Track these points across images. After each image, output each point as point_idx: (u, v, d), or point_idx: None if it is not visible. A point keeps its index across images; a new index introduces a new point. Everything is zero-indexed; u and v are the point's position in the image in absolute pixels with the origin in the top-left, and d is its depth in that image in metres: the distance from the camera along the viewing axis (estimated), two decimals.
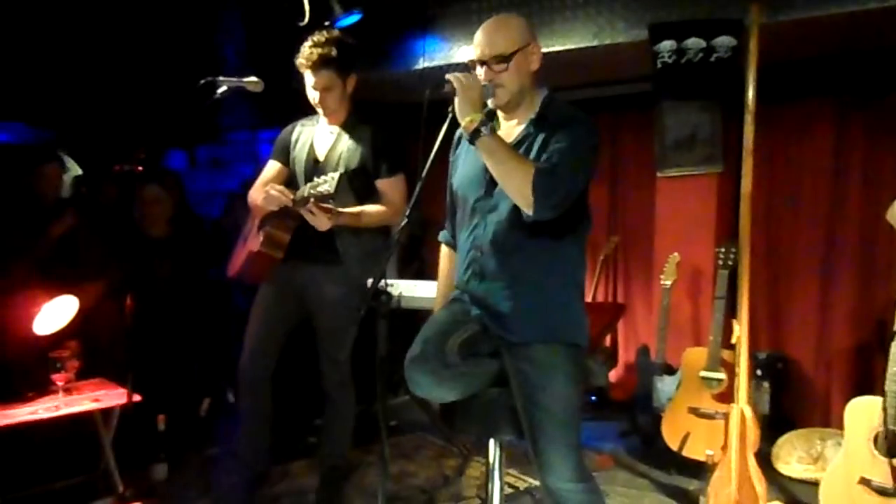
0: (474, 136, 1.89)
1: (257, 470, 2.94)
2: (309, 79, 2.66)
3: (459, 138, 2.22)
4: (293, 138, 2.84)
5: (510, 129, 2.09)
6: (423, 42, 4.14)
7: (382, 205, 2.74)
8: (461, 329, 2.04)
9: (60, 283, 3.05)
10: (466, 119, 1.90)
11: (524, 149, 2.00)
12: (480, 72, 1.99)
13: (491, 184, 2.03)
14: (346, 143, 2.75)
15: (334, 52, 2.61)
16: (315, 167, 2.73)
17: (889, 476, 2.46)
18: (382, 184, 2.75)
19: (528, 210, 1.87)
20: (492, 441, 2.17)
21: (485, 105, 1.99)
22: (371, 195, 2.74)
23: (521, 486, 3.25)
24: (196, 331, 3.59)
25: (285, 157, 2.84)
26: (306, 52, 2.62)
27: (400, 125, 5.50)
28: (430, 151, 1.91)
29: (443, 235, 2.36)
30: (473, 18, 4.00)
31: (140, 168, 3.13)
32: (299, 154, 2.80)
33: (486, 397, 2.08)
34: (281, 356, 2.85)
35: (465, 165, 2.17)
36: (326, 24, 3.50)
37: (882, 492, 2.47)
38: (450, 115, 1.95)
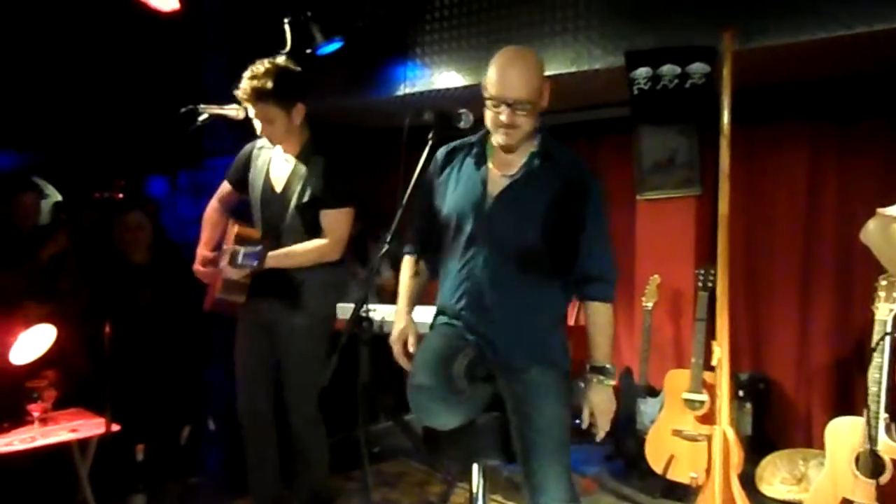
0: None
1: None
2: (251, 110, 2.61)
3: (445, 159, 2.17)
4: (251, 160, 2.78)
5: (509, 160, 2.06)
6: (405, 68, 4.18)
7: (323, 237, 2.65)
8: (461, 354, 2.03)
9: (36, 306, 3.01)
10: None
11: (532, 183, 2.03)
12: (501, 110, 1.94)
13: (494, 216, 2.02)
14: (300, 175, 2.67)
15: (269, 84, 2.51)
16: (272, 196, 2.71)
17: (872, 496, 2.48)
18: (327, 215, 2.65)
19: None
20: (475, 466, 2.16)
21: (458, 128, 2.00)
22: (320, 226, 2.68)
23: None
24: (176, 358, 3.55)
25: (238, 177, 2.80)
26: (243, 84, 2.54)
27: (381, 151, 5.54)
28: (411, 178, 1.92)
29: (409, 249, 2.26)
30: (454, 45, 4.05)
31: (120, 195, 3.11)
32: (255, 180, 2.75)
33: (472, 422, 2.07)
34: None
35: (460, 191, 2.10)
36: (308, 51, 3.53)
37: None
38: (430, 143, 1.97)
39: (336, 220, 2.65)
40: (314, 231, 2.66)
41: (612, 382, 2.08)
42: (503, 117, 1.94)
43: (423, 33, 4.13)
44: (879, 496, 2.45)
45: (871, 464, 2.49)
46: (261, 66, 2.54)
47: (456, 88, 4.02)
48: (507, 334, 2.04)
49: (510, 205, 2.02)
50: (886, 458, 2.46)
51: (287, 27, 3.49)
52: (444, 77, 4.10)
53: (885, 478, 2.45)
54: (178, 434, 3.64)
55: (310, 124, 2.73)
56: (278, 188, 2.70)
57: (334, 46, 3.73)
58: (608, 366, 2.05)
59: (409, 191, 1.92)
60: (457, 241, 2.09)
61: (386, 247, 1.95)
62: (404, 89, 4.23)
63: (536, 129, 2.04)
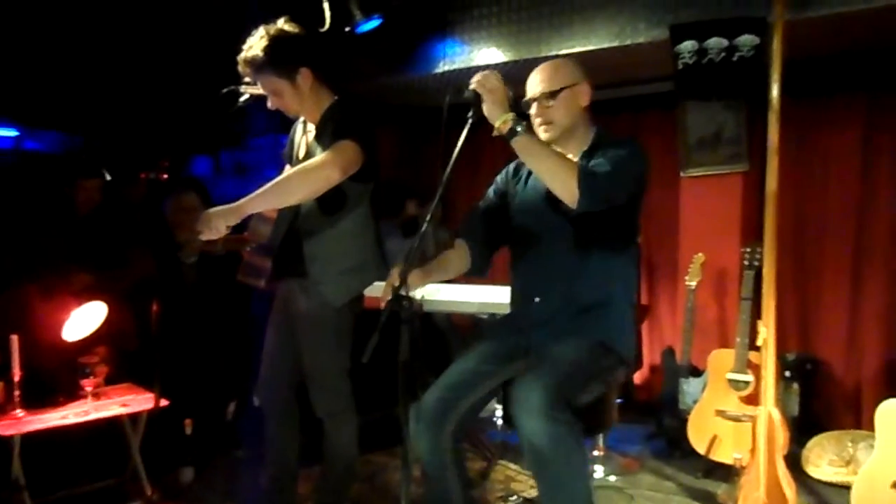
0: (510, 136, 1.92)
1: (285, 478, 2.89)
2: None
3: (514, 172, 2.33)
4: (293, 136, 2.71)
5: None
6: (444, 46, 4.14)
7: (340, 209, 2.47)
8: (479, 387, 2.09)
9: (84, 276, 3.06)
10: (500, 120, 1.92)
11: None
12: (532, 107, 2.13)
13: (554, 211, 2.09)
14: (315, 145, 2.50)
15: (263, 53, 2.33)
16: None
17: None
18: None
19: (572, 203, 1.90)
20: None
21: (515, 108, 2.02)
22: (338, 203, 2.48)
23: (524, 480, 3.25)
24: (221, 335, 3.63)
25: (288, 155, 2.71)
26: (239, 58, 2.38)
27: (422, 128, 5.53)
28: (451, 156, 1.91)
29: (461, 232, 2.34)
30: (493, 21, 4.00)
31: (165, 176, 3.16)
32: (288, 154, 2.68)
33: None
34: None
35: (525, 200, 2.24)
36: (347, 29, 3.52)
37: None
38: (470, 120, 1.96)
39: (338, 145, 2.33)
40: (331, 208, 2.46)
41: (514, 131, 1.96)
42: (533, 112, 2.13)
43: (461, 9, 4.09)
44: None
45: None
46: (254, 37, 2.37)
47: (496, 65, 3.97)
48: (574, 321, 2.10)
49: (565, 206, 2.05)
50: None
51: (326, 4, 3.48)
52: (484, 53, 4.06)
53: None
54: (225, 409, 3.73)
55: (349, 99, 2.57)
56: (302, 160, 2.54)
57: (373, 24, 3.71)
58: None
59: (448, 171, 1.91)
60: (525, 243, 2.21)
61: (426, 227, 1.96)
62: (443, 66, 4.20)
63: (588, 127, 2.18)
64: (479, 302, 3.47)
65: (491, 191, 2.35)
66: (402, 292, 1.97)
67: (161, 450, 3.22)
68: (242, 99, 2.72)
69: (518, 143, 1.92)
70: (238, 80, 2.62)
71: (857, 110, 3.94)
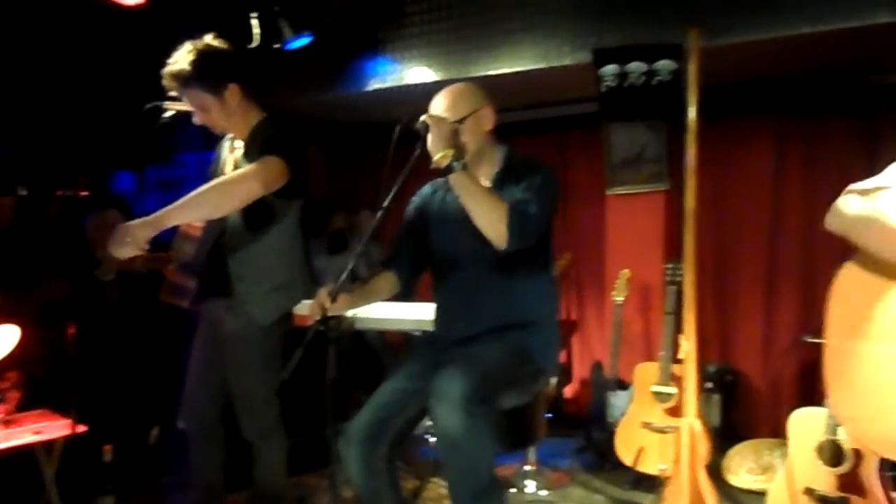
0: (447, 172, 1.97)
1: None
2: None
3: (429, 195, 2.34)
4: (217, 154, 2.66)
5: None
6: (375, 64, 4.16)
7: (269, 230, 2.44)
8: (409, 406, 2.09)
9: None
10: (439, 155, 1.97)
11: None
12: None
13: (474, 234, 2.08)
14: (243, 162, 2.43)
15: (190, 68, 2.29)
16: None
17: (833, 485, 2.54)
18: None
19: (500, 243, 1.96)
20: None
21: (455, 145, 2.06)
22: (265, 220, 2.44)
23: None
24: (144, 357, 3.51)
25: (214, 174, 2.63)
26: (164, 71, 2.33)
27: (354, 144, 5.51)
28: (392, 185, 1.94)
29: (389, 263, 2.36)
30: (423, 40, 4.05)
31: (84, 193, 3.05)
32: (214, 171, 2.61)
33: None
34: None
35: (441, 224, 2.25)
36: (276, 46, 3.50)
37: (825, 501, 2.54)
38: (417, 150, 1.99)
39: (263, 160, 2.28)
40: (258, 225, 2.42)
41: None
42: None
43: (393, 28, 4.12)
44: (839, 485, 2.52)
45: (832, 453, 2.55)
46: (180, 52, 2.33)
47: (426, 84, 4.02)
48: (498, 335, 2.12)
49: None
50: (846, 447, 2.51)
51: (255, 21, 3.45)
52: (414, 72, 4.09)
53: (845, 467, 2.51)
54: (148, 434, 3.60)
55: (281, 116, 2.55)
56: None
57: (303, 41, 3.70)
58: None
59: (390, 198, 1.94)
60: (445, 266, 2.22)
61: (361, 249, 1.97)
62: (374, 84, 4.21)
63: (496, 148, 2.21)
64: (411, 319, 3.46)
65: (410, 214, 2.35)
66: (330, 311, 1.97)
67: (78, 479, 3.08)
68: (167, 114, 2.66)
69: (454, 179, 1.98)
70: (161, 95, 2.57)
71: (768, 132, 4.17)
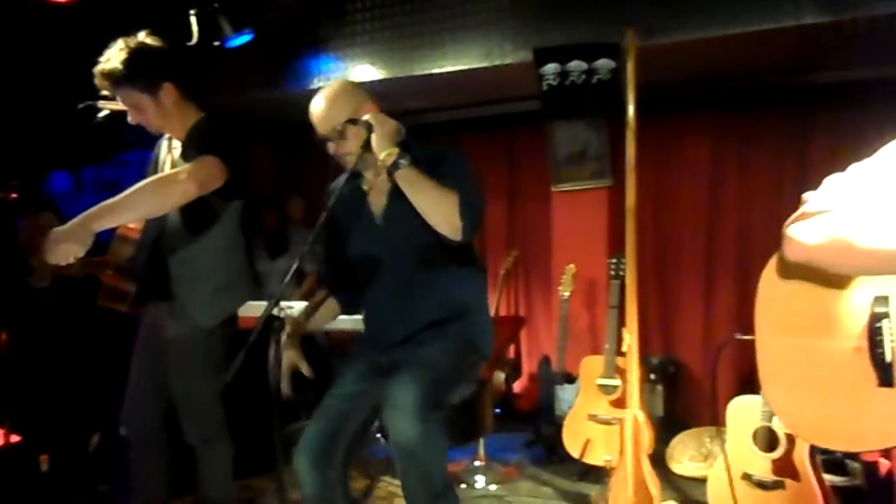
0: (394, 169, 1.93)
1: None
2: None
3: (336, 199, 2.21)
4: (154, 154, 2.59)
5: (380, 183, 2.12)
6: (318, 62, 4.13)
7: (207, 230, 2.38)
8: (358, 410, 2.07)
9: None
10: (385, 153, 1.94)
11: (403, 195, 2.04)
12: (330, 148, 2.06)
13: (388, 236, 2.09)
14: (181, 163, 2.35)
15: (122, 67, 2.21)
16: None
17: (768, 470, 2.63)
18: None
19: (455, 236, 1.93)
20: None
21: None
22: (205, 222, 2.39)
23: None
24: (82, 363, 3.41)
25: (151, 175, 2.51)
26: (95, 69, 2.25)
27: (301, 143, 5.44)
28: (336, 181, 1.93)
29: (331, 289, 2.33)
30: (367, 38, 4.04)
31: (14, 195, 2.94)
32: (152, 172, 2.52)
33: None
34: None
35: (350, 223, 2.20)
36: (216, 43, 3.43)
37: (762, 485, 2.63)
38: (360, 152, 1.96)
39: (199, 159, 2.23)
40: (199, 227, 2.37)
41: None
42: (331, 150, 2.07)
43: (334, 26, 4.09)
44: (774, 469, 2.61)
45: (767, 439, 2.64)
46: (111, 49, 2.25)
47: (371, 82, 4.00)
48: (436, 330, 2.09)
49: (396, 219, 2.08)
50: (781, 433, 2.61)
51: (193, 18, 3.38)
52: (359, 70, 4.08)
53: (778, 452, 2.60)
54: (87, 442, 3.50)
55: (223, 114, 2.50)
56: None
57: (244, 39, 3.64)
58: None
59: (326, 215, 1.93)
60: (369, 268, 2.17)
61: (307, 249, 1.95)
62: (318, 82, 4.18)
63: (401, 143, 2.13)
64: (356, 319, 3.45)
65: (332, 230, 2.27)
66: (275, 313, 1.95)
67: (13, 490, 2.98)
68: (102, 114, 2.59)
69: (401, 176, 1.94)
70: (96, 95, 2.50)
71: (706, 129, 4.30)
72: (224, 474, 2.54)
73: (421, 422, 1.81)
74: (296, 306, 3.58)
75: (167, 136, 2.54)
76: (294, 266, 1.94)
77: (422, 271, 2.09)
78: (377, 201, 2.14)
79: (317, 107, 2.06)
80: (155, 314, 2.50)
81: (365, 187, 2.17)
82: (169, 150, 2.52)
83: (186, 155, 2.36)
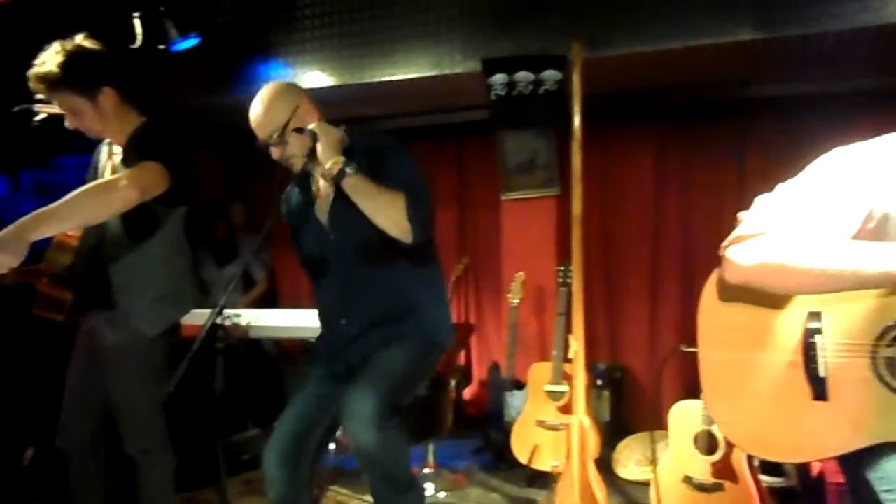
0: (340, 177, 1.94)
1: None
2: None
3: (285, 203, 2.28)
4: (94, 160, 2.53)
5: (326, 185, 2.13)
6: (267, 68, 4.09)
7: (150, 237, 2.32)
8: (326, 411, 2.06)
9: None
10: (331, 161, 1.95)
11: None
12: (273, 152, 2.06)
13: (339, 233, 2.09)
14: (121, 169, 2.28)
15: (58, 70, 2.16)
16: None
17: (708, 472, 2.70)
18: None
19: (405, 238, 1.95)
20: None
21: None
22: (148, 229, 2.33)
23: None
24: (17, 374, 3.30)
25: (91, 181, 2.44)
26: (30, 72, 2.18)
27: (247, 149, 5.36)
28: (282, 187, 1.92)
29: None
30: (316, 45, 4.01)
31: None
32: (92, 179, 2.46)
33: None
34: None
35: (308, 225, 2.20)
36: (161, 47, 3.37)
37: (702, 487, 2.71)
38: (304, 160, 1.99)
39: (140, 165, 2.18)
40: (141, 234, 2.32)
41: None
42: (274, 155, 2.07)
43: (284, 32, 4.06)
44: (714, 471, 2.69)
45: (707, 442, 2.72)
46: (48, 51, 2.18)
47: (321, 89, 3.98)
48: (390, 328, 2.10)
49: (341, 219, 2.09)
50: (720, 436, 2.68)
51: (137, 21, 3.31)
52: (308, 77, 4.05)
53: (718, 455, 2.68)
54: (21, 455, 3.38)
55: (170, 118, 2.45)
56: None
57: (190, 43, 3.58)
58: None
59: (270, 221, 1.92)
60: (321, 271, 2.18)
61: (251, 256, 1.94)
62: None
63: (343, 138, 2.12)
64: (309, 326, 3.42)
65: (293, 236, 2.30)
66: (218, 321, 1.93)
67: None
68: (39, 117, 2.51)
69: (347, 185, 1.95)
70: (31, 98, 2.42)
71: (650, 140, 4.41)
72: (165, 487, 2.48)
73: (379, 430, 1.83)
74: (243, 314, 3.56)
75: (108, 140, 2.48)
76: (238, 273, 1.92)
77: (368, 270, 2.09)
78: (324, 203, 2.15)
79: (255, 112, 2.05)
80: (94, 323, 2.43)
81: (314, 188, 2.18)
82: (109, 156, 2.46)
83: (128, 160, 2.31)
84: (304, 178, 2.12)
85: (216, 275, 4.50)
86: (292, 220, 2.27)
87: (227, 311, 3.47)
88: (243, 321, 3.49)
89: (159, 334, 2.39)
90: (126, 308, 2.34)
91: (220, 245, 4.75)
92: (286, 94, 2.07)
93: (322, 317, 2.26)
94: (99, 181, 2.23)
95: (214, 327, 1.93)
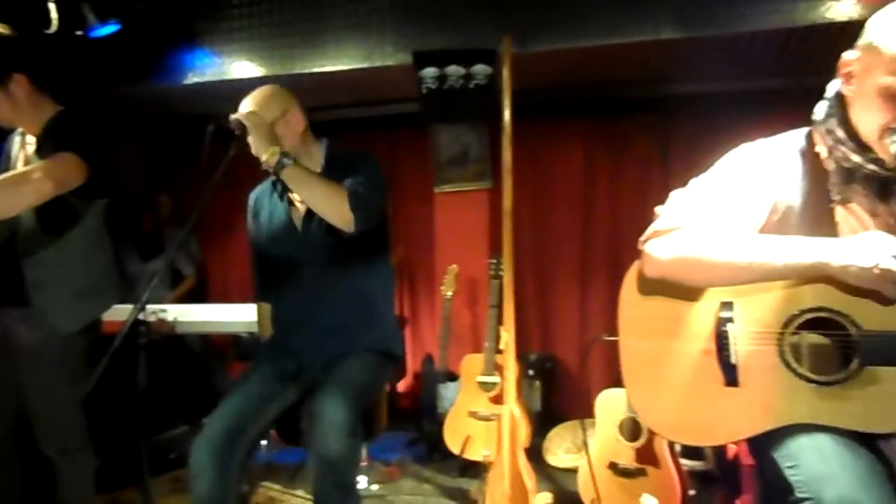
0: (279, 168, 1.93)
1: None
2: None
3: (256, 203, 2.30)
4: (6, 150, 2.42)
5: None
6: (192, 56, 3.98)
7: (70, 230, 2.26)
8: (266, 410, 2.05)
9: None
10: (267, 153, 1.93)
11: None
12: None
13: (303, 235, 2.12)
14: (35, 160, 2.22)
15: None
16: None
17: (632, 458, 2.80)
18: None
19: (347, 227, 1.96)
20: None
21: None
22: (65, 222, 2.26)
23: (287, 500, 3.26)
24: None
25: (3, 173, 2.32)
26: None
27: (173, 139, 5.23)
28: (211, 185, 1.86)
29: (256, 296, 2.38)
30: (245, 35, 3.93)
31: None
32: (4, 170, 2.33)
33: None
34: None
35: (273, 229, 2.22)
36: (79, 33, 3.23)
37: (626, 473, 2.80)
38: (231, 153, 1.91)
39: (55, 156, 2.12)
40: (58, 228, 2.26)
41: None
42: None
43: (210, 20, 3.96)
44: (637, 457, 2.78)
45: (631, 429, 2.81)
46: None
47: (250, 79, 3.91)
48: (347, 328, 2.14)
49: (313, 222, 2.11)
50: (643, 423, 2.78)
51: (52, 5, 3.16)
52: (237, 67, 3.96)
53: (640, 441, 2.77)
54: None
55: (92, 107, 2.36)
56: None
57: (110, 29, 3.44)
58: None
59: (206, 198, 1.85)
60: (282, 269, 2.20)
61: (175, 248, 1.89)
62: (192, 78, 4.03)
63: (316, 145, 2.21)
64: (240, 321, 3.36)
65: (251, 234, 2.32)
66: (141, 317, 1.88)
67: None
68: None
69: (287, 174, 1.94)
70: None
71: (579, 134, 4.50)
72: (85, 488, 2.40)
73: (349, 437, 1.86)
74: (169, 310, 3.47)
75: (20, 130, 2.38)
76: (162, 268, 1.88)
77: (327, 274, 2.13)
78: (300, 206, 2.16)
79: (246, 104, 2.07)
80: (7, 321, 2.33)
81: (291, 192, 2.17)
82: (22, 146, 2.36)
83: (42, 151, 2.22)
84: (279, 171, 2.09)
85: (141, 269, 4.36)
86: (260, 219, 2.27)
87: (151, 307, 3.41)
88: (169, 316, 3.40)
89: (77, 331, 2.31)
90: (41, 305, 2.26)
91: (145, 239, 4.59)
92: (281, 95, 2.11)
93: (279, 318, 2.26)
94: (10, 173, 2.13)
95: (137, 323, 1.86)
